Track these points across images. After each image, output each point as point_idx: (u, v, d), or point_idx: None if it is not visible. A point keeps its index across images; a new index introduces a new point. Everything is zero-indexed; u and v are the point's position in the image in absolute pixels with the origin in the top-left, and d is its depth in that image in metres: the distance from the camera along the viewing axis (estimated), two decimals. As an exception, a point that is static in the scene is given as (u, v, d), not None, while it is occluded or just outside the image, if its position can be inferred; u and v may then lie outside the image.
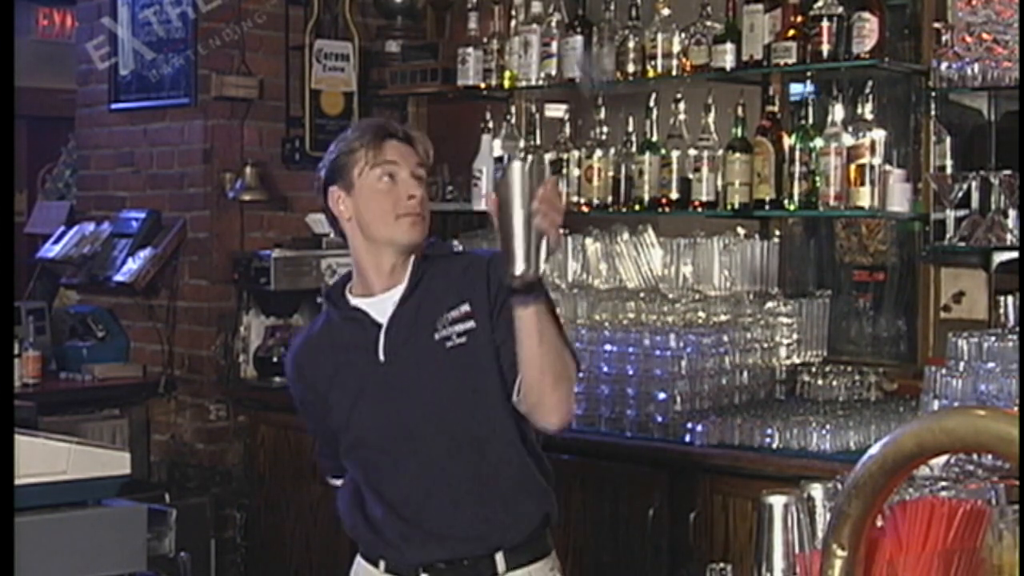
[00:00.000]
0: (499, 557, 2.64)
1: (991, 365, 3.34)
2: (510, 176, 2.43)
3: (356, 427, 2.70)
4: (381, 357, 2.65)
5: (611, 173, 4.67)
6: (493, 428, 2.62)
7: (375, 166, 2.65)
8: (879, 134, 4.12)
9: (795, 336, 4.44)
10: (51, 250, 5.72)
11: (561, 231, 2.49)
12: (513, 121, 5.02)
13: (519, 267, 2.42)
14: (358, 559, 2.79)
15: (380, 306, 2.69)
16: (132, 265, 5.34)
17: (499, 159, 4.87)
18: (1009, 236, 3.89)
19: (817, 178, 4.18)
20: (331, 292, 2.79)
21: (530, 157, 2.48)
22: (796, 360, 4.43)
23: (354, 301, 2.71)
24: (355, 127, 2.80)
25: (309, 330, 2.84)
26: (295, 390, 2.82)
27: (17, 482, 2.44)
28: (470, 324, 2.63)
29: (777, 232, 4.63)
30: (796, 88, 4.58)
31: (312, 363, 2.75)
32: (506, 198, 2.43)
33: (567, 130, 4.87)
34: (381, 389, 2.66)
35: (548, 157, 4.85)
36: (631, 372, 4.08)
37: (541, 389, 2.56)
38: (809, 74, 4.30)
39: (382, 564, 2.71)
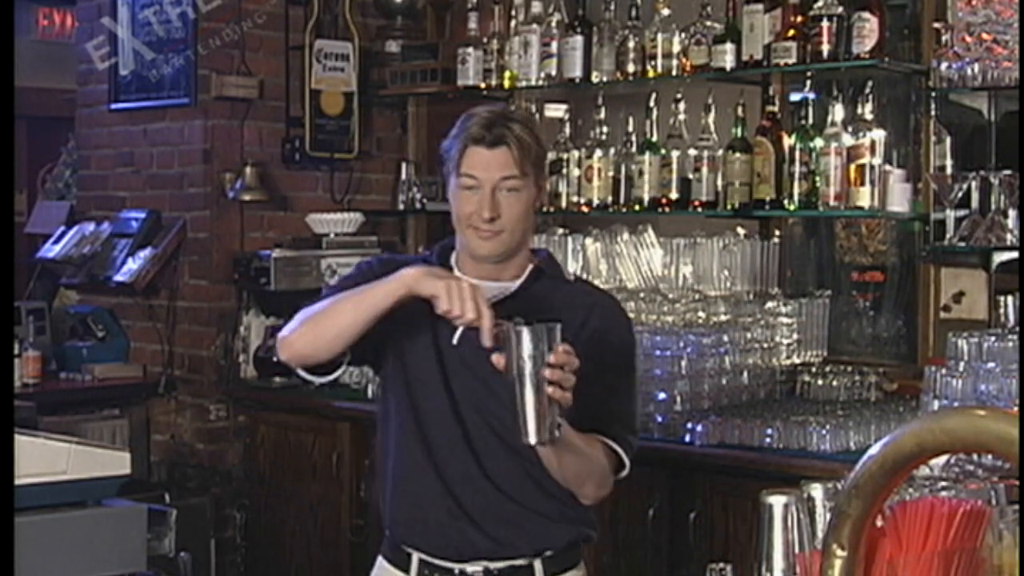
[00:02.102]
0: (538, 565, 2.61)
1: (991, 365, 3.34)
2: (519, 344, 2.30)
3: (422, 388, 2.64)
4: (455, 340, 2.59)
5: (611, 173, 4.67)
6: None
7: (459, 175, 2.59)
8: (879, 134, 4.12)
9: (795, 336, 4.44)
10: (51, 250, 5.72)
11: (569, 393, 2.33)
12: (513, 121, 5.02)
13: (532, 439, 2.32)
14: (381, 564, 2.73)
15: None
16: (132, 265, 5.34)
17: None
18: (1009, 236, 3.89)
19: (817, 178, 4.18)
20: (443, 250, 2.71)
21: (534, 323, 2.33)
22: (796, 360, 4.43)
23: (457, 272, 2.64)
24: (467, 114, 2.64)
25: (412, 258, 2.76)
26: (364, 267, 2.71)
27: (17, 482, 2.44)
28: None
29: (777, 232, 4.64)
30: (796, 88, 4.58)
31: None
32: (515, 366, 2.30)
33: (567, 130, 4.87)
34: (449, 370, 2.61)
35: (548, 157, 4.85)
36: (631, 372, 4.07)
37: (565, 486, 2.58)
38: (809, 74, 4.30)
39: (415, 561, 2.64)
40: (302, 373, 2.72)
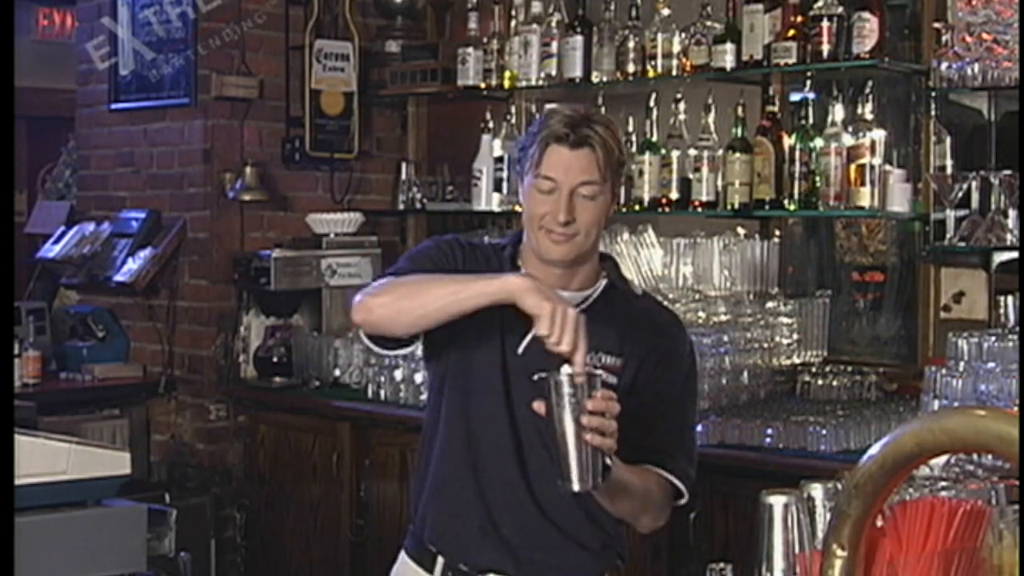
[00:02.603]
0: None
1: (991, 365, 3.34)
2: (558, 389, 2.24)
3: (479, 395, 2.57)
4: (520, 349, 2.52)
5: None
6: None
7: (537, 176, 2.51)
8: (879, 134, 4.12)
9: (795, 336, 4.44)
10: (51, 250, 5.72)
11: (612, 440, 2.26)
12: (513, 121, 5.03)
13: (575, 486, 2.26)
14: (404, 560, 2.68)
15: None
16: (132, 265, 5.34)
17: (499, 162, 4.86)
18: (1009, 236, 3.89)
19: (817, 178, 4.18)
20: (512, 251, 2.62)
21: (573, 371, 2.25)
22: (796, 360, 4.43)
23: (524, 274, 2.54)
24: (547, 113, 2.57)
25: (489, 246, 2.69)
26: (436, 242, 2.64)
27: (17, 482, 2.44)
28: (613, 380, 2.47)
29: (777, 232, 4.64)
30: (796, 88, 4.58)
31: (475, 268, 2.57)
32: (555, 413, 2.24)
33: (567, 130, 4.86)
34: (510, 378, 2.54)
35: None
36: (631, 372, 4.07)
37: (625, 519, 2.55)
38: (809, 74, 4.30)
39: (439, 564, 2.60)
40: (367, 342, 2.61)
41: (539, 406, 2.26)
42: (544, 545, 2.56)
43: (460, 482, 2.59)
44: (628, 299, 2.63)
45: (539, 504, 2.54)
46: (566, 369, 2.25)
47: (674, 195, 4.50)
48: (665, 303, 2.79)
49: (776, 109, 4.44)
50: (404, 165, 5.55)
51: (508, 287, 2.35)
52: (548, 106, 2.60)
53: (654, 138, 4.55)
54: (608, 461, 2.29)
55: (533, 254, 2.58)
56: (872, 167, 4.10)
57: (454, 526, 2.59)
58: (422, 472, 2.68)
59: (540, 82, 4.86)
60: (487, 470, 2.57)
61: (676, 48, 4.51)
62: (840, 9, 4.14)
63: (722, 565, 1.70)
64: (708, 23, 4.44)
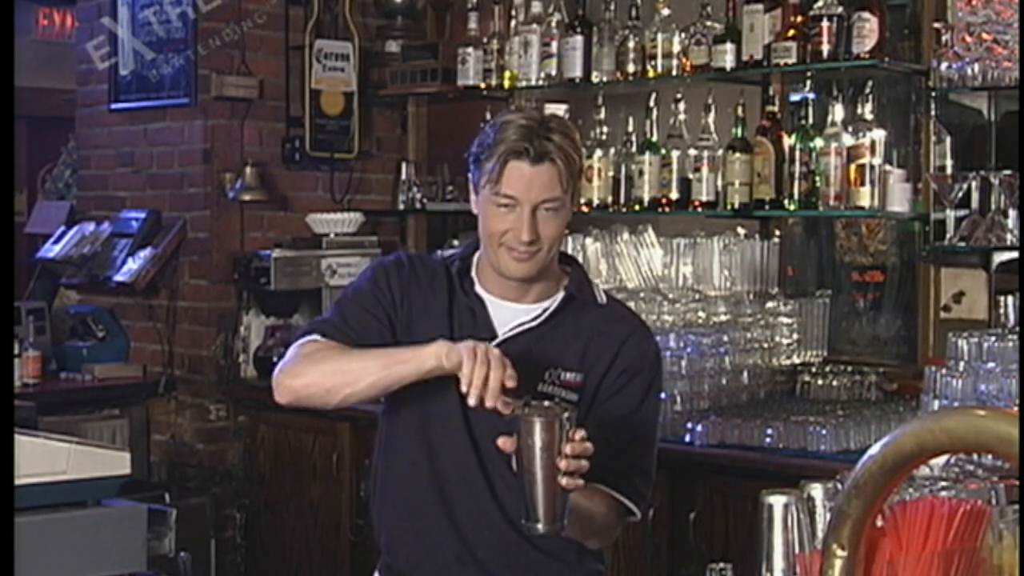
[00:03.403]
0: None
1: (991, 365, 3.34)
2: (531, 435, 2.14)
3: (439, 420, 2.48)
4: None
5: (611, 173, 4.67)
6: None
7: (495, 194, 2.40)
8: (879, 134, 4.12)
9: (795, 336, 4.44)
10: (51, 250, 5.72)
11: (581, 480, 2.17)
12: (513, 121, 5.02)
13: (543, 528, 2.18)
14: None
15: (502, 313, 2.49)
16: (132, 265, 5.34)
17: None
18: (1009, 236, 3.89)
19: (817, 178, 4.18)
20: (461, 266, 2.53)
21: (554, 408, 2.19)
22: (796, 360, 4.43)
23: (478, 288, 2.51)
24: (502, 124, 2.43)
25: (436, 259, 2.61)
26: (388, 269, 2.54)
27: (17, 482, 2.44)
28: (573, 396, 2.43)
29: (777, 232, 4.64)
30: (796, 88, 4.58)
31: (419, 291, 2.51)
32: (526, 453, 2.15)
33: (567, 130, 4.86)
34: (464, 400, 2.33)
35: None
36: (631, 372, 4.07)
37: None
38: (809, 74, 4.30)
39: None
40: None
41: (505, 443, 2.17)
42: (522, 564, 2.50)
43: (430, 510, 2.50)
44: (589, 309, 2.52)
45: (513, 524, 2.42)
46: (540, 418, 2.14)
47: (674, 195, 4.50)
48: (634, 313, 2.67)
49: (776, 109, 4.44)
50: (404, 165, 5.55)
51: (425, 364, 2.29)
52: (502, 117, 2.48)
53: (654, 138, 4.55)
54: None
55: (491, 268, 2.48)
56: (872, 167, 4.10)
57: (430, 557, 2.51)
58: (383, 491, 2.58)
59: (540, 82, 4.86)
60: (455, 496, 2.49)
61: (676, 48, 4.51)
62: (840, 9, 4.14)
63: (722, 565, 1.70)
64: (708, 23, 4.44)
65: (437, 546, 2.50)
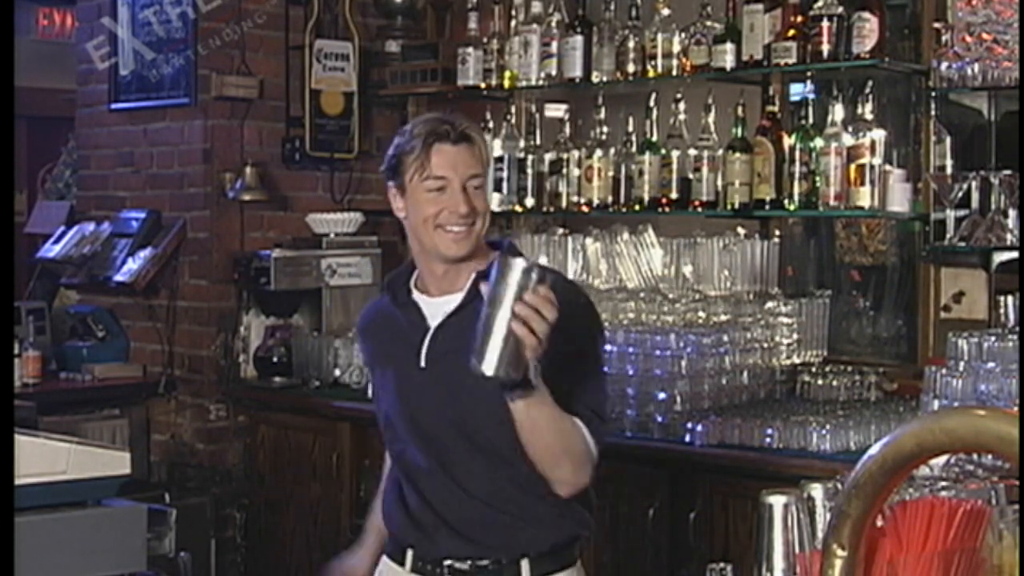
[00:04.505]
0: (524, 563, 2.62)
1: (991, 365, 3.34)
2: (505, 271, 2.32)
3: (392, 418, 2.71)
4: (422, 363, 2.64)
5: (611, 173, 4.67)
6: (516, 451, 2.56)
7: (424, 177, 2.59)
8: (879, 134, 4.12)
9: (795, 336, 4.44)
10: (51, 250, 5.72)
11: (540, 343, 2.32)
12: (513, 121, 5.03)
13: (488, 369, 2.30)
14: (383, 560, 2.79)
15: (434, 308, 2.67)
16: (132, 265, 5.34)
17: (500, 162, 4.86)
18: (1009, 236, 3.89)
19: (817, 178, 4.18)
20: (393, 281, 2.75)
21: (531, 261, 2.33)
22: (796, 360, 4.43)
23: (415, 294, 2.70)
24: (414, 123, 2.68)
25: (376, 301, 2.87)
26: (363, 349, 2.92)
27: (17, 482, 2.44)
28: None
29: (777, 232, 4.63)
30: (796, 88, 4.58)
31: (372, 333, 2.80)
32: (495, 294, 2.32)
33: (567, 130, 4.87)
34: (417, 393, 2.65)
35: (548, 157, 4.85)
36: (631, 372, 4.08)
37: (542, 468, 2.55)
38: (809, 74, 4.30)
39: (409, 556, 2.69)
40: None
41: (484, 286, 2.36)
42: (497, 530, 2.62)
43: (408, 490, 2.71)
44: None
45: (477, 497, 2.61)
46: (520, 260, 2.33)
47: (674, 195, 4.50)
48: (557, 270, 2.81)
49: (776, 109, 4.44)
50: (404, 165, 5.54)
51: None
52: (408, 125, 2.71)
53: (654, 138, 4.55)
54: (531, 374, 2.35)
55: (427, 262, 2.65)
56: (872, 167, 4.10)
57: (413, 525, 2.69)
58: (393, 475, 2.81)
59: (540, 82, 4.86)
60: (423, 483, 2.68)
61: (676, 48, 4.51)
62: (840, 9, 4.14)
63: (722, 565, 1.70)
64: (708, 23, 4.44)
65: (418, 516, 2.68)
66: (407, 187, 2.61)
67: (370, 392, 2.95)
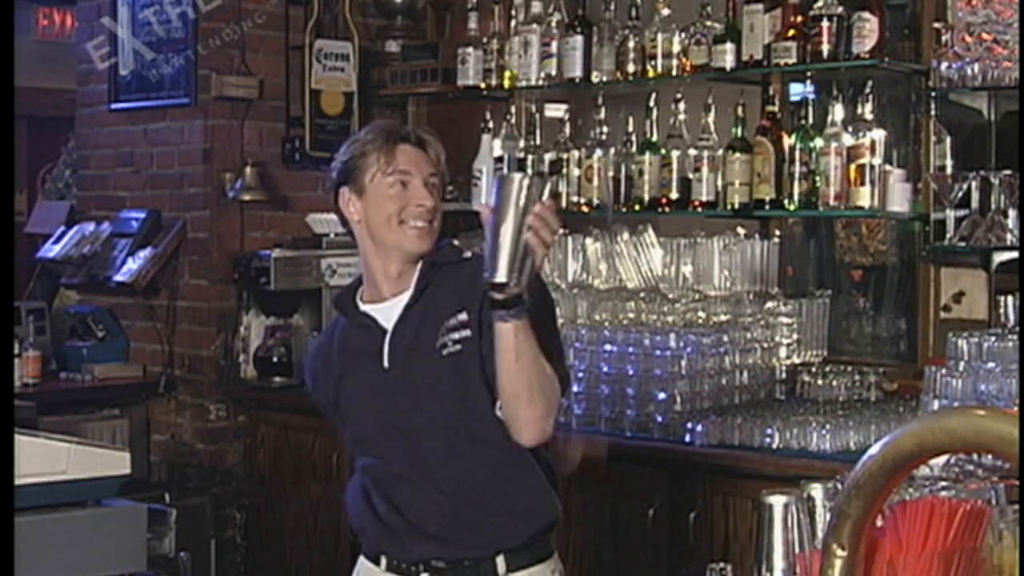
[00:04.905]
0: (500, 560, 2.64)
1: (991, 365, 3.34)
2: (509, 185, 2.41)
3: (361, 431, 2.74)
4: (385, 363, 2.67)
5: (611, 173, 4.67)
6: (489, 435, 2.61)
7: (387, 174, 2.64)
8: (879, 134, 4.12)
9: (795, 336, 4.44)
10: (51, 250, 5.72)
11: (547, 252, 2.46)
12: (513, 121, 5.03)
13: (501, 276, 2.38)
14: (360, 559, 2.80)
15: (388, 312, 2.70)
16: (132, 265, 5.34)
17: (500, 162, 4.86)
18: (1009, 236, 3.89)
19: (817, 178, 4.18)
20: (340, 299, 2.80)
21: (531, 173, 2.46)
22: (796, 360, 4.43)
23: (364, 307, 2.73)
24: (367, 129, 2.76)
25: (323, 336, 2.90)
26: (313, 393, 2.88)
27: (17, 482, 2.44)
28: (466, 332, 2.61)
29: (777, 232, 4.63)
30: (796, 88, 4.58)
31: (323, 369, 2.80)
32: (501, 206, 2.40)
33: (567, 130, 4.87)
34: (385, 395, 2.67)
35: (548, 157, 4.85)
36: (631, 372, 4.08)
37: (516, 405, 2.54)
38: (809, 74, 4.30)
39: (383, 561, 2.71)
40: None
41: (483, 209, 2.42)
42: (467, 527, 2.63)
43: (378, 499, 2.71)
44: (455, 266, 2.71)
45: (446, 493, 2.63)
46: (516, 175, 2.43)
47: (674, 195, 4.50)
48: None
49: (776, 109, 4.44)
50: (404, 165, 5.54)
51: None
52: (357, 135, 2.80)
53: (654, 138, 4.55)
54: (525, 294, 2.41)
55: (382, 261, 2.67)
56: (872, 167, 4.10)
57: (388, 536, 2.69)
58: (358, 482, 2.80)
59: (540, 82, 4.86)
60: (393, 488, 2.69)
61: (676, 48, 4.51)
62: (840, 9, 4.14)
63: (722, 565, 1.70)
64: (708, 23, 4.44)
65: (388, 523, 2.69)
66: (366, 187, 2.65)
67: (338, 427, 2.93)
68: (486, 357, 2.56)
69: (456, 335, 2.62)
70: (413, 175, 2.64)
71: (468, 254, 2.78)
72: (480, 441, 2.62)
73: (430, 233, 2.65)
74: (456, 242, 3.05)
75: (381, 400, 2.68)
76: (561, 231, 2.42)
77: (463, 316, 2.63)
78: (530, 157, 4.88)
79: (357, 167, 2.67)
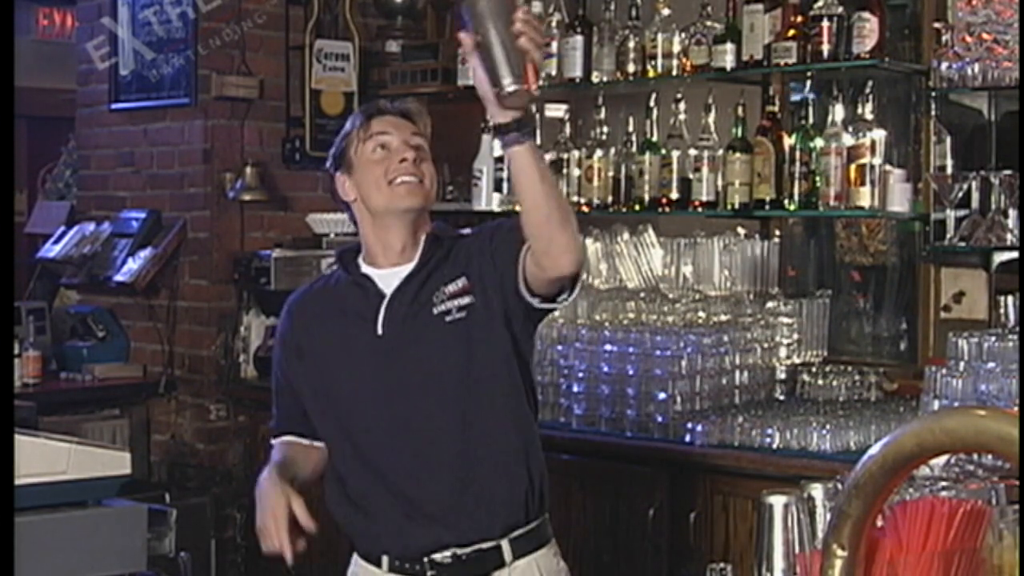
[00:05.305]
0: (505, 546, 2.62)
1: (991, 365, 3.34)
2: (479, 2, 2.37)
3: (351, 399, 2.69)
4: (379, 330, 2.64)
5: (611, 173, 4.67)
6: (490, 403, 2.61)
7: (366, 140, 2.68)
8: (879, 134, 4.12)
9: (795, 336, 4.44)
10: (51, 250, 5.72)
11: (542, 50, 2.47)
12: (513, 121, 5.01)
13: (508, 81, 2.37)
14: (356, 559, 2.79)
15: (388, 279, 2.69)
16: (132, 265, 5.34)
17: (500, 162, 4.86)
18: (1009, 236, 3.89)
19: (817, 178, 4.18)
20: (344, 253, 2.79)
21: None
22: (796, 360, 4.43)
23: (364, 268, 2.72)
24: (360, 109, 2.85)
25: (313, 283, 2.86)
26: (279, 338, 2.84)
27: (17, 482, 2.44)
28: (468, 299, 2.62)
29: (777, 232, 4.63)
30: (796, 88, 4.58)
31: (308, 318, 2.76)
32: (480, 24, 2.37)
33: (567, 130, 4.87)
34: (378, 362, 2.64)
35: (548, 157, 4.85)
36: (631, 372, 4.08)
37: (551, 230, 2.48)
38: (809, 74, 4.30)
39: (385, 561, 2.69)
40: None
41: (464, 38, 2.39)
42: (468, 508, 2.61)
43: (369, 489, 2.69)
44: (455, 241, 2.73)
45: (442, 471, 2.60)
46: None
47: (674, 195, 4.49)
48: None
49: (776, 109, 4.44)
50: (404, 165, 5.54)
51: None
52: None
53: (654, 138, 4.55)
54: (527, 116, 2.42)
55: (380, 228, 2.68)
56: (872, 167, 4.10)
57: (383, 529, 2.68)
58: (331, 489, 2.85)
59: (540, 82, 4.84)
60: (387, 470, 2.65)
61: (676, 48, 4.50)
62: (840, 9, 4.13)
63: (722, 565, 1.70)
64: (708, 23, 4.44)
65: (387, 515, 2.66)
66: (354, 163, 2.69)
67: (273, 384, 2.92)
68: (504, 273, 2.58)
69: (458, 301, 2.62)
70: (392, 136, 2.68)
71: (467, 230, 2.79)
72: (476, 411, 2.60)
73: (420, 188, 2.67)
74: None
75: (375, 368, 2.65)
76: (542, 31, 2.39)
77: (463, 282, 2.63)
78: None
79: (343, 148, 2.71)
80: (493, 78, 2.37)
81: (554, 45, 4.80)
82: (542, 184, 2.46)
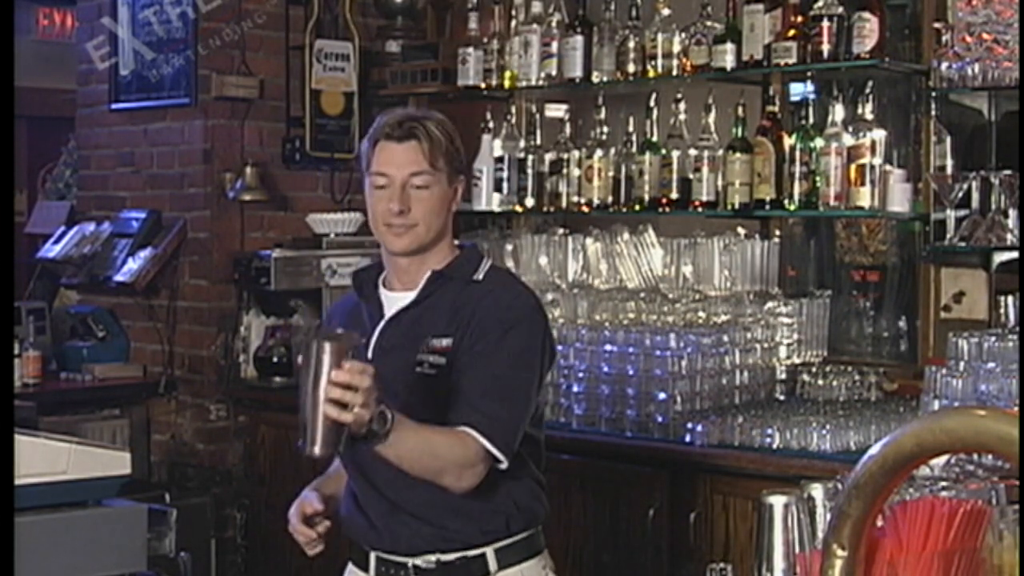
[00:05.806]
0: (490, 554, 2.62)
1: (991, 365, 3.34)
2: (305, 353, 2.26)
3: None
4: (370, 355, 2.65)
5: (611, 173, 4.67)
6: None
7: (370, 172, 2.67)
8: (879, 134, 4.12)
9: (795, 336, 4.44)
10: (51, 250, 5.72)
11: (360, 413, 2.26)
12: (513, 121, 5.03)
13: (315, 451, 2.26)
14: (348, 567, 2.80)
15: (392, 302, 2.72)
16: (132, 265, 5.34)
17: (500, 162, 4.86)
18: (1009, 236, 3.89)
19: (817, 178, 4.18)
20: (359, 276, 2.81)
21: (333, 333, 2.35)
22: (796, 360, 4.43)
23: (380, 290, 2.75)
24: (380, 117, 2.74)
25: (348, 295, 2.90)
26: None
27: (17, 482, 2.44)
28: (442, 360, 2.60)
29: (777, 232, 4.63)
30: (796, 88, 4.58)
31: (337, 320, 2.82)
32: (303, 375, 2.27)
33: (567, 130, 4.87)
34: None
35: (548, 157, 4.85)
36: (631, 372, 4.08)
37: (430, 481, 2.53)
38: (809, 74, 4.30)
39: (372, 559, 2.70)
40: None
41: (298, 365, 2.31)
42: (452, 509, 2.60)
43: (361, 485, 2.71)
44: (465, 285, 2.67)
45: (426, 481, 2.56)
46: (323, 333, 2.32)
47: (674, 195, 4.50)
48: (514, 280, 2.80)
49: (776, 109, 4.44)
50: (404, 165, 5.54)
51: None
52: (387, 110, 2.78)
53: (654, 138, 4.55)
54: (374, 426, 2.30)
55: (385, 259, 2.73)
56: (872, 167, 4.10)
57: (368, 520, 2.70)
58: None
59: (540, 82, 4.86)
60: (371, 471, 2.65)
61: (676, 48, 4.51)
62: (840, 9, 4.14)
63: (722, 565, 1.70)
64: (708, 23, 4.44)
65: (371, 506, 2.69)
66: (365, 180, 2.71)
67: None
68: (457, 375, 2.57)
69: (433, 359, 2.61)
70: (392, 177, 2.63)
71: (480, 275, 2.70)
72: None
73: (408, 234, 2.64)
74: (485, 246, 2.99)
75: None
76: (365, 391, 2.25)
77: (446, 342, 2.61)
78: (530, 157, 4.89)
79: (362, 155, 2.72)
80: (303, 432, 2.27)
81: (554, 45, 4.81)
82: (404, 464, 2.46)
